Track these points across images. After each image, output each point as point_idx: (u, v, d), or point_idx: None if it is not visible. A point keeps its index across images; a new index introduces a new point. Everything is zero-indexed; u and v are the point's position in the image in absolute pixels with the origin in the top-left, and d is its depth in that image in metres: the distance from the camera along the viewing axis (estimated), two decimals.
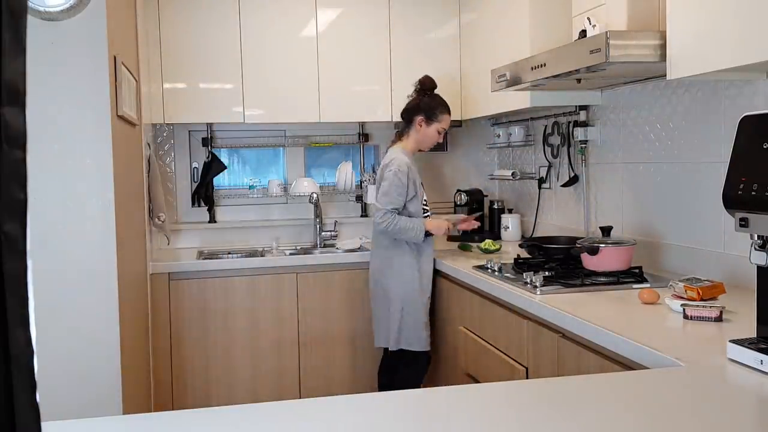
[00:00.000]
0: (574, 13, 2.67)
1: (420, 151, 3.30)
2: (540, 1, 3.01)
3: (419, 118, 3.16)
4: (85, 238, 2.27)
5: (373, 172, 4.25)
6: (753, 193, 1.41)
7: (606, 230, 2.55)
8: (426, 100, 3.17)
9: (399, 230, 3.03)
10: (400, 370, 3.23)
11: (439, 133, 3.18)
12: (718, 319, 1.80)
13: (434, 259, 3.21)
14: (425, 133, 3.17)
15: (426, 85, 3.21)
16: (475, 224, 3.31)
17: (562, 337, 2.04)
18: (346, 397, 1.36)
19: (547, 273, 2.47)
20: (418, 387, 3.13)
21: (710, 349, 1.57)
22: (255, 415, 1.28)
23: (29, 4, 1.92)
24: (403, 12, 3.90)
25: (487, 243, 3.35)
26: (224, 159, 4.07)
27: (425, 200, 3.19)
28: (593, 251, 2.46)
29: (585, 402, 1.30)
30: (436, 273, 3.28)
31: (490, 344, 2.64)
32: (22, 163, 0.43)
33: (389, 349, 3.19)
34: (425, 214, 3.15)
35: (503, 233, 3.84)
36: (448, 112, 3.19)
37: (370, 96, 3.89)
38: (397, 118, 3.96)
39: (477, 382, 2.77)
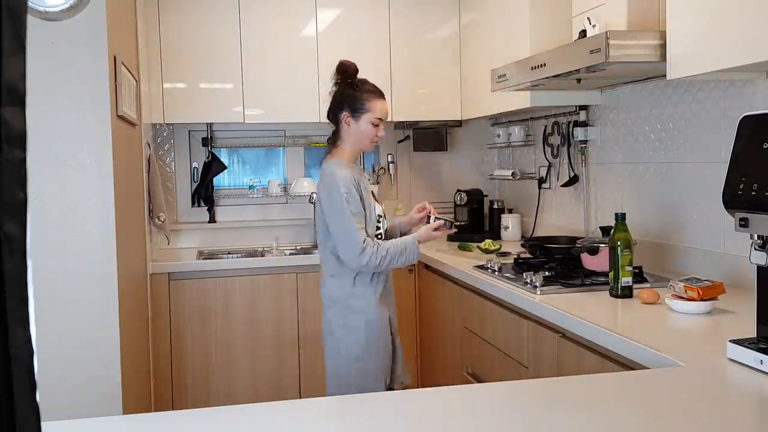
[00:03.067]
0: (574, 13, 2.67)
1: (362, 152, 2.66)
2: (540, 1, 3.00)
3: (343, 115, 2.50)
4: (85, 238, 2.27)
5: (373, 171, 4.25)
6: (753, 193, 1.41)
7: (606, 230, 2.54)
8: (347, 91, 2.51)
9: (393, 258, 2.38)
10: None
11: (375, 125, 2.48)
12: None
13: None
14: (356, 130, 2.49)
15: (345, 72, 2.53)
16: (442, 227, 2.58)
17: (562, 337, 2.04)
18: (345, 397, 1.36)
19: (547, 273, 2.47)
20: None
21: (710, 349, 1.57)
22: (255, 415, 1.28)
23: (29, 4, 1.92)
24: (403, 12, 3.90)
25: (487, 243, 3.35)
26: (224, 159, 4.07)
27: (379, 215, 2.52)
28: (593, 251, 2.46)
29: (585, 402, 1.30)
30: (437, 272, 3.28)
31: (491, 344, 2.64)
32: (22, 163, 0.43)
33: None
34: (378, 232, 2.49)
35: (503, 233, 3.84)
36: (380, 97, 2.52)
37: None
38: (397, 118, 3.97)
39: (477, 382, 2.78)
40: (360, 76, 2.52)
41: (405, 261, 2.42)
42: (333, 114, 2.56)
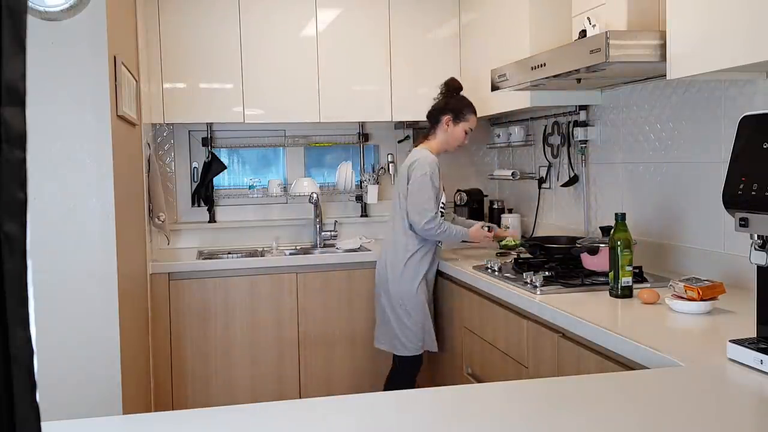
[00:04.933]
0: (574, 13, 2.67)
1: (445, 152, 3.27)
2: (540, 1, 3.00)
3: (446, 118, 3.14)
4: (85, 238, 2.27)
5: (373, 171, 4.25)
6: (753, 193, 1.41)
7: (606, 230, 2.55)
8: (453, 101, 3.17)
9: (446, 236, 3.06)
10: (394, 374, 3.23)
11: (466, 133, 3.16)
12: None
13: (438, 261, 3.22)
14: (452, 132, 3.15)
15: (452, 86, 3.21)
16: (514, 234, 3.43)
17: (562, 337, 2.04)
18: (346, 397, 1.36)
19: (547, 273, 2.47)
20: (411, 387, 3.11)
21: (710, 349, 1.57)
22: (255, 415, 1.28)
23: (29, 4, 1.92)
24: (403, 12, 3.90)
25: (508, 239, 3.34)
26: (224, 159, 4.06)
27: (443, 203, 3.14)
28: (593, 251, 2.46)
29: (585, 402, 1.30)
30: (437, 272, 3.28)
31: (491, 344, 2.64)
32: (22, 163, 0.43)
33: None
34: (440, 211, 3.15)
35: None
36: (475, 113, 3.18)
37: (370, 96, 3.89)
38: (397, 118, 3.97)
39: (477, 382, 2.78)
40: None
41: (450, 241, 3.22)
42: (435, 116, 3.19)
